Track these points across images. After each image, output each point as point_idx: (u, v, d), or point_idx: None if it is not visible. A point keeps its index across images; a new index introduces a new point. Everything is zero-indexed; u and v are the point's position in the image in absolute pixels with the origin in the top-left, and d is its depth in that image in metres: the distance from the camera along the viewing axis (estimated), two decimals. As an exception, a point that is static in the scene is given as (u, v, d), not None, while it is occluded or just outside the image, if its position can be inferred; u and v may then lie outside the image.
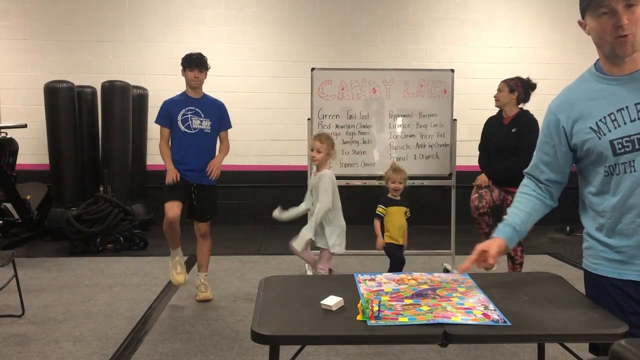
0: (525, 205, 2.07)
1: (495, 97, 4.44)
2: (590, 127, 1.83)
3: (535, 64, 7.66)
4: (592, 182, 1.90)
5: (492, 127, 4.53)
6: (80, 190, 6.88)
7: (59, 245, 6.21)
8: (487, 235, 4.64)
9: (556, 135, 1.95)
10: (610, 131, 1.80)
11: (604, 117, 1.82)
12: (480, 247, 2.05)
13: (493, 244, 2.04)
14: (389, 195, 4.29)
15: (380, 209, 4.24)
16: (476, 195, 4.46)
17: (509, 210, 2.11)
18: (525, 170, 2.12)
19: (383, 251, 4.29)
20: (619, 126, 1.79)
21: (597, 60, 1.96)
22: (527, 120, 4.37)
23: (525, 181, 2.12)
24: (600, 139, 1.81)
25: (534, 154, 2.07)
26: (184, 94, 4.25)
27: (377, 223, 4.24)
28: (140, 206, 7.04)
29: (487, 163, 4.50)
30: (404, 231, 4.26)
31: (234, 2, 7.47)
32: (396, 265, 4.26)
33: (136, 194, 7.09)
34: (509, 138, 4.35)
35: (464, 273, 2.42)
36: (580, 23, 1.91)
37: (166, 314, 4.02)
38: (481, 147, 4.65)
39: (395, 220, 4.20)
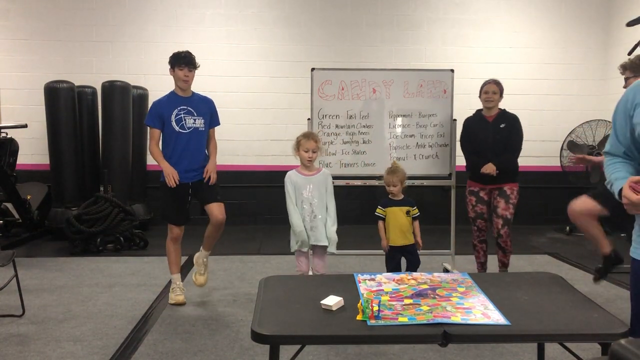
0: (626, 165, 2.02)
1: (491, 98, 4.52)
2: None
3: (535, 64, 7.68)
4: None
5: (476, 126, 4.62)
6: (81, 190, 6.88)
7: (59, 245, 6.21)
8: (483, 265, 4.74)
9: (623, 115, 1.97)
10: None
11: None
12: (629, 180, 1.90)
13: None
14: (389, 195, 4.15)
15: (378, 210, 4.11)
16: (475, 227, 4.66)
17: (614, 175, 2.00)
18: (604, 150, 2.11)
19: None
20: None
21: None
22: (511, 117, 4.57)
23: (608, 159, 2.07)
24: None
25: (611, 133, 2.06)
26: (173, 94, 4.19)
27: (379, 224, 4.10)
28: (140, 206, 7.04)
29: (480, 159, 4.52)
30: (407, 231, 4.06)
31: (234, 2, 7.47)
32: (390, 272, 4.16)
33: (136, 194, 7.09)
34: (500, 133, 4.50)
35: (464, 273, 2.43)
36: None
37: (166, 314, 4.02)
38: (464, 146, 4.71)
39: (393, 221, 4.04)
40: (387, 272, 4.06)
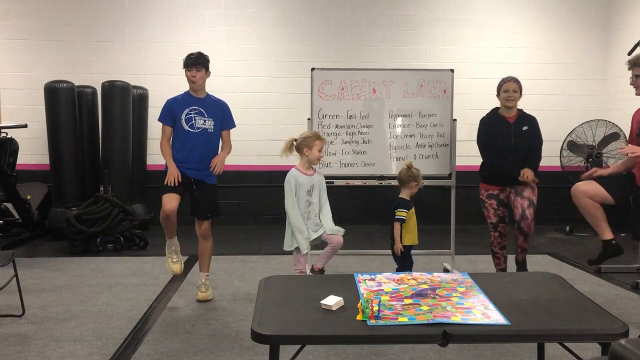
0: None
1: (512, 97, 4.32)
2: None
3: (535, 64, 7.68)
4: None
5: (496, 127, 4.39)
6: (81, 190, 6.88)
7: (59, 245, 6.21)
8: (504, 271, 4.54)
9: None
10: None
11: None
12: None
13: None
14: (402, 196, 4.15)
15: (403, 213, 4.06)
16: (497, 233, 4.44)
17: None
18: None
19: (390, 253, 4.20)
20: None
21: None
22: (531, 118, 4.41)
23: None
24: None
25: None
26: (187, 93, 4.25)
27: (398, 227, 4.08)
28: (140, 206, 7.04)
29: (506, 162, 4.31)
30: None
31: (234, 2, 7.47)
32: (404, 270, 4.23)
33: (136, 194, 7.09)
34: (523, 136, 4.31)
35: (464, 273, 2.43)
36: None
37: (166, 314, 4.02)
38: (487, 148, 4.42)
39: (413, 222, 4.14)
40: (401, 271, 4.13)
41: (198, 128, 4.16)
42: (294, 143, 4.05)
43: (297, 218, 3.90)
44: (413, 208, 4.16)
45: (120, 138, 6.81)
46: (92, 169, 7.07)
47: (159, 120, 4.26)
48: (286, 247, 4.00)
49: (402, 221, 4.05)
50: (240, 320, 3.88)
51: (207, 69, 4.20)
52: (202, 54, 4.19)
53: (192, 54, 4.17)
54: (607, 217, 3.84)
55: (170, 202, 4.05)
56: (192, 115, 4.16)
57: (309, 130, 4.26)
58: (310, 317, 2.06)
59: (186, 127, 4.14)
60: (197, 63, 4.12)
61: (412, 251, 4.31)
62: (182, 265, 4.36)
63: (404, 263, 4.17)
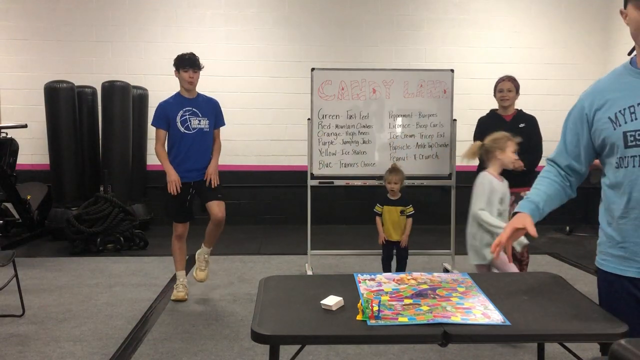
0: (547, 188, 2.04)
1: (506, 96, 4.30)
2: (609, 117, 1.83)
3: (535, 64, 7.68)
4: (607, 175, 1.89)
5: (492, 124, 4.34)
6: (81, 190, 6.88)
7: (59, 245, 6.21)
8: None
9: (579, 123, 1.95)
10: (626, 123, 1.79)
11: (624, 109, 1.80)
12: (513, 224, 1.98)
13: (526, 219, 1.97)
14: (387, 194, 4.52)
15: (376, 207, 4.55)
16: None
17: (530, 190, 2.07)
18: (548, 157, 2.12)
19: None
20: (636, 119, 1.77)
21: (635, 55, 1.92)
22: (530, 117, 4.38)
23: (547, 167, 2.10)
24: (615, 129, 1.80)
25: (559, 141, 2.07)
26: (178, 95, 4.23)
27: (377, 220, 4.53)
28: (140, 206, 7.04)
29: None
30: (399, 228, 4.49)
31: (234, 2, 7.47)
32: (382, 262, 4.61)
33: (136, 194, 7.09)
34: (520, 134, 4.16)
35: (464, 273, 2.43)
36: (621, 12, 1.86)
37: (166, 314, 4.02)
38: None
39: (389, 218, 4.47)
40: (381, 261, 4.60)
41: (194, 129, 4.16)
42: (484, 146, 3.67)
43: (493, 219, 3.48)
44: (393, 207, 4.46)
45: (120, 138, 6.82)
46: (92, 169, 7.07)
47: (153, 124, 4.23)
48: (477, 261, 3.64)
49: (376, 214, 4.52)
50: (240, 320, 3.88)
51: (200, 69, 4.21)
52: (195, 54, 4.19)
53: (186, 54, 4.15)
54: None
55: (181, 227, 4.31)
56: (187, 116, 4.15)
57: (498, 132, 3.81)
58: (310, 317, 2.06)
59: (182, 129, 4.13)
60: (196, 64, 4.13)
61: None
62: (187, 292, 4.37)
63: (382, 254, 4.54)
